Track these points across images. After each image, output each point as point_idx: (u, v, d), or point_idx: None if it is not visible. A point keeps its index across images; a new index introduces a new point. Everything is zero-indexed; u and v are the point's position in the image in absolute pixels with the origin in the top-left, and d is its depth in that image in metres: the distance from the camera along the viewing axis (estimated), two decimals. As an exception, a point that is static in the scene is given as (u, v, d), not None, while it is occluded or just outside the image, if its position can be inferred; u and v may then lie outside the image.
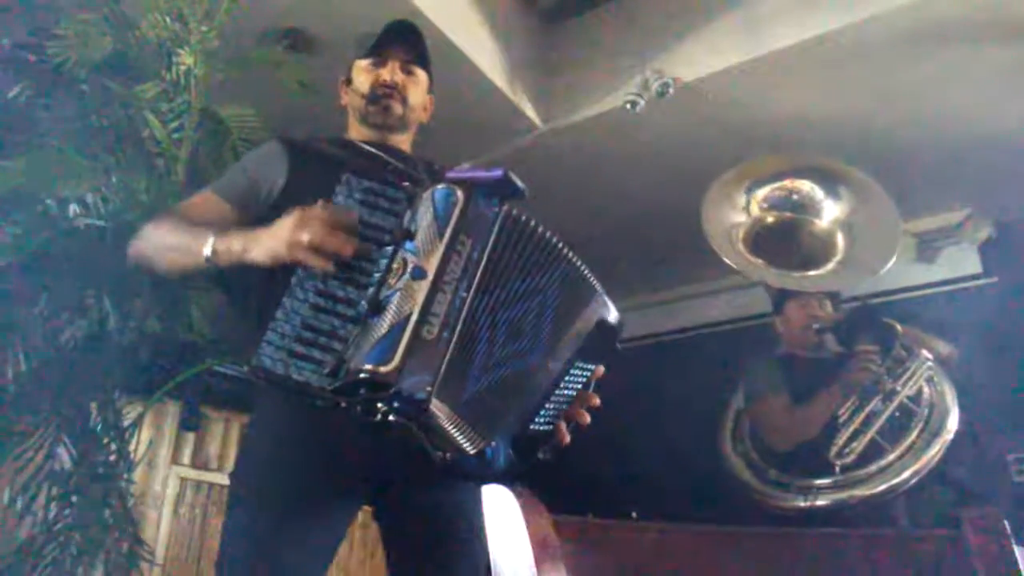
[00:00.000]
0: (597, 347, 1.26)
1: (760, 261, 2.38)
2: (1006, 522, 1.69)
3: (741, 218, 2.43)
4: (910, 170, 3.50)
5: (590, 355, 1.26)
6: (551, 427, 1.24)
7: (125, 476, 2.00)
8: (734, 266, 2.36)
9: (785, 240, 2.42)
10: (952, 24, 2.71)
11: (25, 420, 1.88)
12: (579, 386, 1.26)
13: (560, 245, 1.20)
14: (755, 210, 2.44)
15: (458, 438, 1.09)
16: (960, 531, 1.67)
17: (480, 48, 3.06)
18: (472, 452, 1.11)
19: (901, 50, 2.85)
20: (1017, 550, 1.62)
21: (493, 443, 1.13)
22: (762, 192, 2.44)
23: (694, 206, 2.42)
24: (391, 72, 1.51)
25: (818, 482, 2.24)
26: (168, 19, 2.06)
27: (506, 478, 1.18)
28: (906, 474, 2.19)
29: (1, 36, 2.10)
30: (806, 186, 2.43)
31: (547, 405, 1.21)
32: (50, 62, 1.97)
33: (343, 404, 1.07)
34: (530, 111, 3.33)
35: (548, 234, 1.19)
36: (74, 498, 1.88)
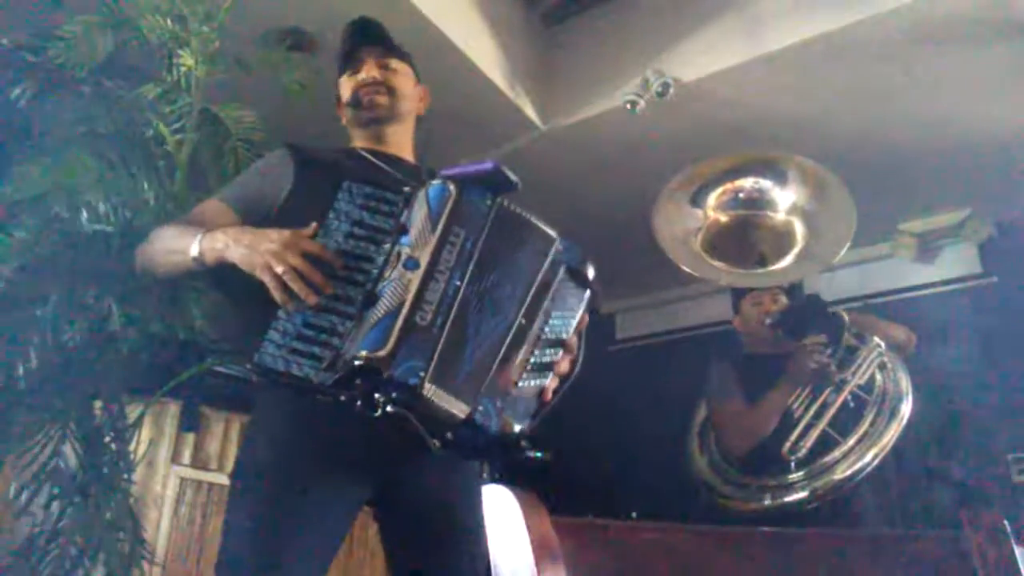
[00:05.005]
0: (571, 293, 1.29)
1: (721, 264, 2.36)
2: (1006, 522, 1.68)
3: (696, 224, 2.41)
4: (910, 170, 3.51)
5: (565, 303, 1.28)
6: (540, 383, 1.25)
7: (126, 476, 2.00)
8: (695, 273, 2.35)
9: (744, 238, 2.40)
10: (952, 24, 2.71)
11: (32, 418, 1.88)
12: (562, 336, 1.28)
13: (542, 227, 1.25)
14: (709, 214, 2.41)
15: (449, 409, 1.12)
16: (960, 531, 1.67)
17: (480, 48, 3.06)
18: (462, 418, 1.13)
19: (901, 50, 2.85)
20: (1017, 550, 1.62)
21: (480, 407, 1.15)
22: (712, 196, 2.41)
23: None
24: (367, 71, 1.54)
25: (780, 480, 2.20)
26: (169, 20, 2.07)
27: (504, 444, 1.20)
28: (868, 457, 2.16)
29: (1, 36, 2.10)
30: (748, 182, 2.40)
31: (530, 360, 1.23)
32: (51, 63, 1.97)
33: (343, 398, 1.09)
34: (530, 111, 3.34)
35: (535, 220, 1.24)
36: (76, 498, 1.88)
